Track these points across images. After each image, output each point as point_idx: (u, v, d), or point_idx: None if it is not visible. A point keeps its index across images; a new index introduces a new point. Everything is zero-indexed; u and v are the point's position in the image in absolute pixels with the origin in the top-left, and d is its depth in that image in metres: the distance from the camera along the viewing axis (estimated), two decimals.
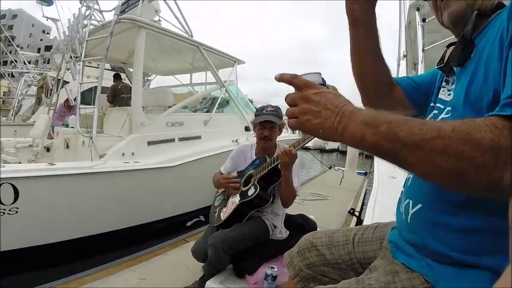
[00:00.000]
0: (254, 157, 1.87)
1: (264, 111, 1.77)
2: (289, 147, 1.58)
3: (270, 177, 1.68)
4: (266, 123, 1.76)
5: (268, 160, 1.68)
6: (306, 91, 0.51)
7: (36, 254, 2.45)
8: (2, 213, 2.24)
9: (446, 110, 0.66)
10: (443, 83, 0.72)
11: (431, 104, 0.75)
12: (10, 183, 2.25)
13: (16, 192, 2.28)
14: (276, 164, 1.60)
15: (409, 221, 0.68)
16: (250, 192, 1.66)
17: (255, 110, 2.11)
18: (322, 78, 0.58)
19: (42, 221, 2.48)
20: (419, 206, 0.66)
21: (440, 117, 0.68)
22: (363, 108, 0.49)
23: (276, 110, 1.79)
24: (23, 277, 2.35)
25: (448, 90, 0.69)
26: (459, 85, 0.63)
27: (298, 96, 0.52)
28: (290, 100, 0.54)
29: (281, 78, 0.54)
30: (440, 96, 0.72)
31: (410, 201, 0.69)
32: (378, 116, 0.46)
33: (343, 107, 0.48)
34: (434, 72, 0.81)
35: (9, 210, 2.27)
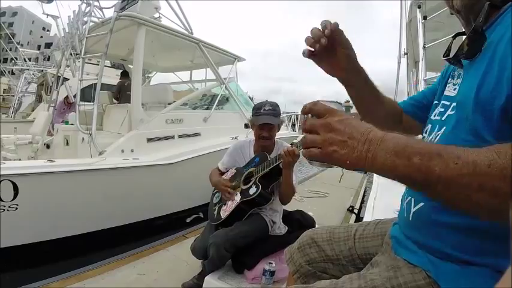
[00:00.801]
0: (252, 154, 1.86)
1: (262, 111, 1.73)
2: (292, 146, 1.56)
3: (271, 175, 1.67)
4: (265, 124, 1.74)
5: (269, 158, 1.67)
6: (328, 118, 0.49)
7: (36, 250, 2.45)
8: (1, 210, 2.24)
9: (452, 107, 0.64)
10: (449, 79, 0.70)
11: (435, 102, 0.73)
12: (10, 180, 2.24)
13: (16, 189, 2.27)
14: (277, 163, 1.59)
15: (410, 218, 0.68)
16: (251, 191, 1.64)
17: None
18: (342, 106, 0.54)
19: (42, 218, 2.48)
20: (421, 204, 0.65)
21: (446, 114, 0.65)
22: (389, 133, 0.46)
23: (274, 109, 1.75)
24: (23, 273, 2.35)
25: (454, 85, 0.67)
26: (467, 80, 0.60)
27: (320, 123, 0.49)
28: (310, 127, 0.50)
29: (304, 112, 0.52)
30: (446, 92, 0.70)
31: (412, 199, 0.68)
32: (407, 145, 0.44)
33: (369, 133, 0.46)
34: (438, 80, 0.80)
35: (9, 207, 2.27)
